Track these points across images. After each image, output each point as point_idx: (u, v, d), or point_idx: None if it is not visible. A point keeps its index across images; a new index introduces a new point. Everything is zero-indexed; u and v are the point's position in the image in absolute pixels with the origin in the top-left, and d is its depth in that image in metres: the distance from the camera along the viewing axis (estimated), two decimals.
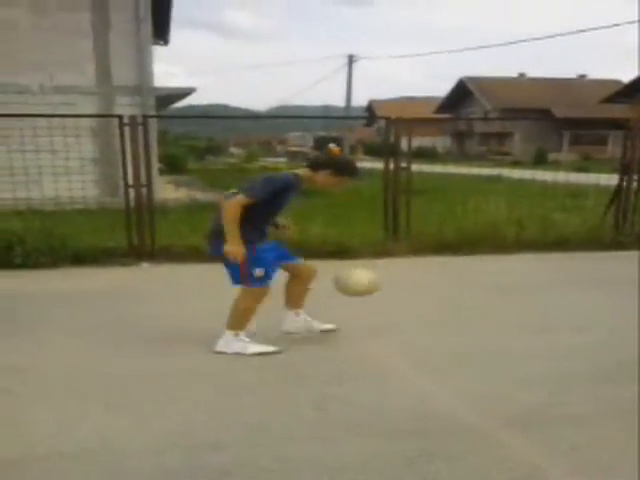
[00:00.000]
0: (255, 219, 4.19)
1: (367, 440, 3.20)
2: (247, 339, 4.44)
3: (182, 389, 3.87)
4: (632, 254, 8.16)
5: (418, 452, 3.06)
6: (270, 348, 4.44)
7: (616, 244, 8.54)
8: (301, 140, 52.70)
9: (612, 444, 3.14)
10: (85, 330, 5.05)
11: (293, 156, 43.99)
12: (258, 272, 4.24)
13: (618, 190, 8.74)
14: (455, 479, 2.83)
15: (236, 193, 4.17)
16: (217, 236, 4.23)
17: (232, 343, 4.40)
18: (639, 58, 56.11)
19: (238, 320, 4.40)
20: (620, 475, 2.87)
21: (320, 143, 45.91)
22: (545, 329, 5.05)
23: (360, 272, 4.63)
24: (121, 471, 2.90)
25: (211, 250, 4.41)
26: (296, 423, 3.40)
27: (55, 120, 8.27)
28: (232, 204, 4.08)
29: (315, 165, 4.31)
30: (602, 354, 4.45)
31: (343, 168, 4.29)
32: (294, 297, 4.69)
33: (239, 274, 4.27)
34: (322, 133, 52.43)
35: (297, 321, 4.73)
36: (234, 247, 4.11)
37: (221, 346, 4.42)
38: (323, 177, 4.26)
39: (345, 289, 4.63)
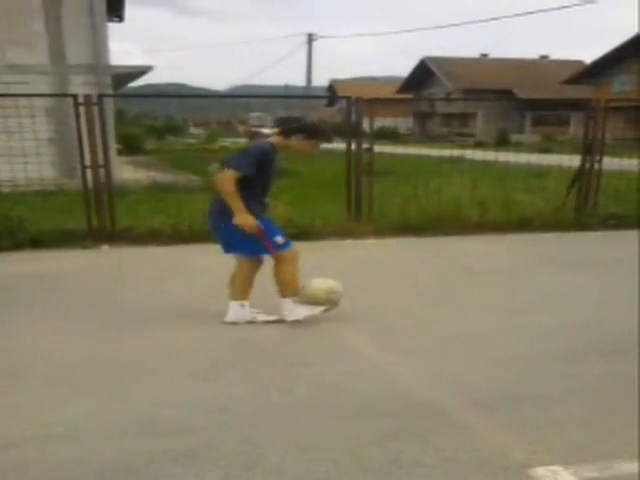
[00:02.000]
0: (254, 192, 4.39)
1: (334, 421, 3.19)
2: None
3: (147, 373, 3.82)
4: (594, 235, 8.28)
5: (385, 432, 3.06)
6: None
7: (578, 225, 8.63)
8: (260, 120, 52.47)
9: (579, 424, 3.16)
10: (48, 313, 4.97)
11: (252, 136, 43.64)
12: (279, 239, 4.48)
13: (580, 171, 8.80)
14: (421, 459, 2.82)
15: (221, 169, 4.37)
16: (216, 214, 4.47)
17: (296, 309, 4.62)
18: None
19: (290, 286, 4.60)
20: (587, 454, 2.87)
21: (281, 123, 45.53)
22: (511, 310, 5.09)
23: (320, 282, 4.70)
24: (89, 456, 2.85)
25: (212, 228, 4.64)
26: (263, 405, 3.38)
27: (8, 100, 8.00)
28: (225, 180, 4.24)
29: (287, 132, 4.49)
30: (568, 334, 4.48)
31: (314, 132, 4.53)
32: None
33: (255, 246, 4.46)
34: (282, 113, 52.15)
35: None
36: (243, 218, 4.28)
37: (288, 315, 4.64)
38: (296, 142, 4.47)
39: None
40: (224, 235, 4.50)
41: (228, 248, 4.61)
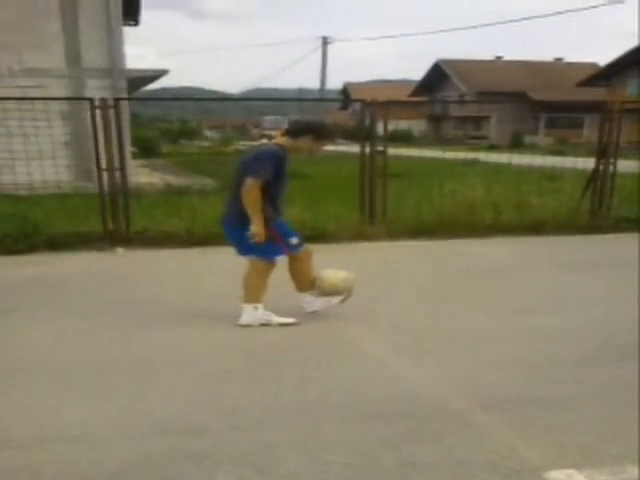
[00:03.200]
0: (270, 196, 4.44)
1: (346, 422, 3.20)
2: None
3: (161, 374, 3.85)
4: (608, 237, 8.23)
5: (397, 434, 3.07)
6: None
7: (593, 228, 8.59)
8: (275, 124, 52.57)
9: (589, 426, 3.16)
10: (62, 314, 5.00)
11: (266, 139, 43.76)
12: (293, 240, 4.61)
13: (595, 174, 8.77)
14: (433, 461, 2.83)
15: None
16: (235, 217, 4.54)
17: (314, 300, 4.83)
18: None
19: (306, 281, 4.80)
20: (596, 457, 2.88)
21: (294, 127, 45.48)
22: (523, 312, 5.08)
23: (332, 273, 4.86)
24: (102, 457, 2.87)
25: (227, 230, 4.74)
26: (276, 406, 3.40)
27: (25, 103, 8.09)
28: (249, 189, 4.32)
29: (296, 133, 4.56)
30: (580, 337, 4.48)
31: (322, 132, 4.62)
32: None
33: (272, 248, 4.55)
34: (296, 117, 52.15)
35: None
36: (260, 228, 4.38)
37: (306, 306, 4.85)
38: (305, 143, 4.54)
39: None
40: (241, 238, 4.52)
41: (244, 251, 4.64)
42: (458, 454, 2.88)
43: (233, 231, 4.64)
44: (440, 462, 2.82)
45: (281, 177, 4.49)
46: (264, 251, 4.55)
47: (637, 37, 57.71)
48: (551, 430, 3.11)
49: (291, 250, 4.62)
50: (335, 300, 4.81)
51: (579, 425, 3.16)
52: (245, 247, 4.59)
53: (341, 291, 4.80)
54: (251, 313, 4.67)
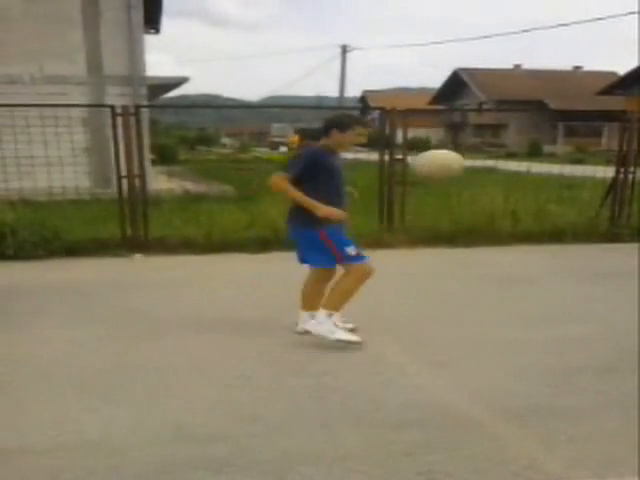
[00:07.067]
0: (317, 194, 4.21)
1: (366, 431, 3.19)
2: (339, 324, 4.45)
3: (180, 381, 3.85)
4: (628, 246, 8.16)
5: (416, 443, 3.05)
6: (353, 338, 4.40)
7: (612, 236, 8.53)
8: (281, 131, 53.48)
9: (610, 436, 3.12)
10: (80, 322, 5.02)
11: (274, 146, 44.36)
12: (349, 250, 4.27)
13: (614, 182, 8.71)
14: (453, 471, 2.81)
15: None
16: (297, 223, 4.33)
17: (322, 324, 4.36)
18: (639, 48, 56.38)
19: (337, 300, 4.38)
20: (618, 468, 2.84)
21: (301, 134, 46.11)
22: (542, 321, 5.04)
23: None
24: (121, 463, 2.88)
25: (294, 238, 4.48)
26: (294, 414, 3.38)
27: (47, 110, 8.17)
28: (276, 182, 4.17)
29: (325, 131, 4.41)
30: (600, 346, 4.44)
31: (344, 123, 4.39)
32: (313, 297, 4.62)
33: (329, 255, 4.30)
34: (303, 125, 52.64)
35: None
36: (323, 210, 4.14)
37: (311, 325, 4.43)
38: (335, 137, 4.35)
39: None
40: (299, 245, 4.42)
41: (302, 259, 4.49)
42: (478, 464, 2.86)
43: (296, 239, 4.45)
44: (459, 472, 2.79)
45: (329, 175, 4.28)
46: (316, 259, 4.38)
47: (637, 47, 57.14)
48: (572, 440, 3.07)
49: (346, 259, 4.26)
50: (354, 338, 4.38)
51: (600, 435, 3.13)
52: (302, 255, 4.46)
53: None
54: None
